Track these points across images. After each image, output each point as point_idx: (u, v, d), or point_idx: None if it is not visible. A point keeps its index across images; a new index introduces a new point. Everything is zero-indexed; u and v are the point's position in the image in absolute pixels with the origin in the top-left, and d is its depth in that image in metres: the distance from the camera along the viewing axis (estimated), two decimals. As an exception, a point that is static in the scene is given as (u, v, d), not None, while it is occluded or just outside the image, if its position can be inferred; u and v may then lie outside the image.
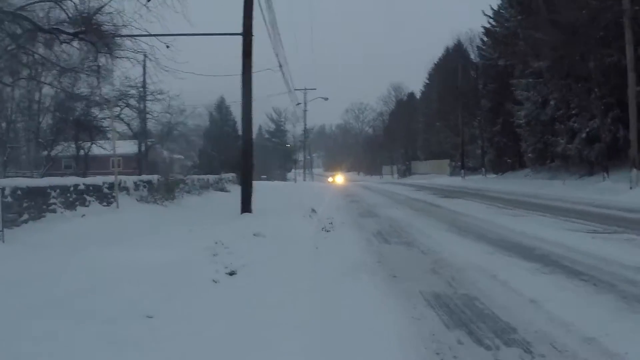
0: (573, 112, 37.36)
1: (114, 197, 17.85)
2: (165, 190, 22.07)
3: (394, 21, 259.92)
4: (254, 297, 7.63)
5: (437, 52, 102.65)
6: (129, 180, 20.57)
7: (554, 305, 7.11)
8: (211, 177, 33.61)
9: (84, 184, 16.59)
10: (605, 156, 32.22)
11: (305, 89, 75.07)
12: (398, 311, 7.09)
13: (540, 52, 38.98)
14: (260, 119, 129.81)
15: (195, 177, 30.72)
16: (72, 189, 15.76)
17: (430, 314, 6.98)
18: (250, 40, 18.43)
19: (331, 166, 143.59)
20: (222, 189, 33.38)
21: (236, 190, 34.92)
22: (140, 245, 10.79)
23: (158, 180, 22.45)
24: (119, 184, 19.01)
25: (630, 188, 26.30)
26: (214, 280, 8.53)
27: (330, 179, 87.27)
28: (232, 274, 9.17)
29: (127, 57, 22.42)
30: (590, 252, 10.77)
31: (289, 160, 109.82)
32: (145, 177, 22.71)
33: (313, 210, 19.97)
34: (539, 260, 10.29)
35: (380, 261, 10.78)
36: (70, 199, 15.61)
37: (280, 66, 33.18)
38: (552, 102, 40.08)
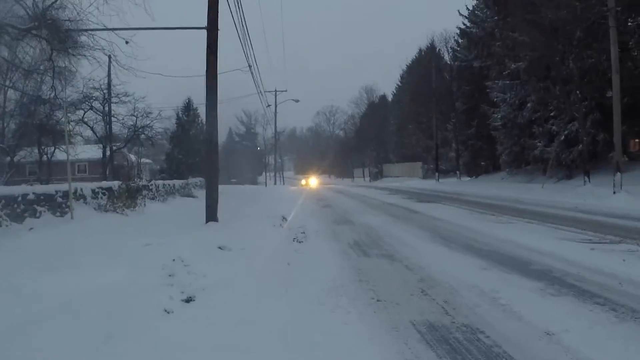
0: (551, 114, 36.41)
1: (68, 206, 16.45)
2: (126, 198, 20.71)
3: (367, 23, 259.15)
4: (212, 334, 6.30)
5: (410, 54, 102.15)
6: (87, 187, 19.21)
7: (574, 339, 5.95)
8: (177, 182, 32.23)
9: (34, 193, 15.21)
10: (586, 159, 31.20)
11: (276, 91, 74.21)
12: (387, 351, 5.80)
13: (518, 53, 38.13)
14: (230, 122, 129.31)
15: (160, 182, 29.36)
16: (19, 199, 14.41)
17: (428, 355, 5.70)
18: (216, 35, 17.01)
19: (302, 169, 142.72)
20: (189, 195, 31.97)
21: (204, 196, 33.69)
22: (86, 265, 9.33)
23: (119, 186, 21.06)
24: (75, 192, 17.71)
25: (614, 192, 25.27)
26: (166, 310, 7.15)
27: (303, 182, 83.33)
28: (189, 300, 7.82)
29: (84, 55, 21.24)
30: (595, 267, 9.65)
31: (259, 164, 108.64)
32: (105, 183, 21.32)
33: (284, 218, 18.61)
34: (540, 277, 9.11)
35: (361, 279, 9.49)
36: (18, 210, 14.27)
37: (250, 67, 32.02)
38: (529, 104, 39.08)
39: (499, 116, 43.13)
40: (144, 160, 69.33)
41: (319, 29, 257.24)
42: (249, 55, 28.51)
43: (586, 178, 30.40)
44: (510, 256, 11.18)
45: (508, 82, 41.50)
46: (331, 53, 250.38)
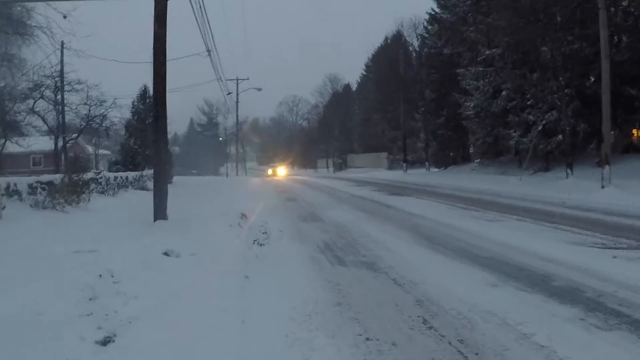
0: (528, 103, 34.48)
1: (-2, 204, 14.20)
2: (68, 192, 18.40)
3: (331, 8, 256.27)
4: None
5: (376, 42, 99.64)
6: (23, 182, 16.99)
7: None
8: (131, 175, 29.76)
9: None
10: (569, 151, 29.31)
11: (237, 79, 72.32)
12: None
13: (493, 39, 36.48)
14: (191, 111, 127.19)
15: (112, 174, 26.96)
16: None
17: None
18: (164, 5, 14.73)
19: (265, 160, 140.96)
20: (143, 188, 29.55)
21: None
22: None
23: (62, 180, 18.74)
24: (7, 188, 15.51)
25: (602, 187, 23.40)
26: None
27: (269, 172, 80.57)
28: (106, 341, 5.57)
29: (19, 34, 19.29)
30: (634, 283, 7.66)
31: (221, 154, 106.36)
32: (45, 177, 18.96)
33: (243, 215, 16.30)
34: (572, 299, 7.08)
35: (340, 302, 7.30)
36: None
37: (209, 51, 30.15)
38: (504, 92, 37.08)
39: (472, 105, 40.96)
40: (101, 151, 66.70)
41: (281, 17, 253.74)
42: (207, 39, 26.49)
43: (568, 170, 28.53)
44: (520, 267, 9.11)
45: (481, 69, 39.52)
46: (294, 42, 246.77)
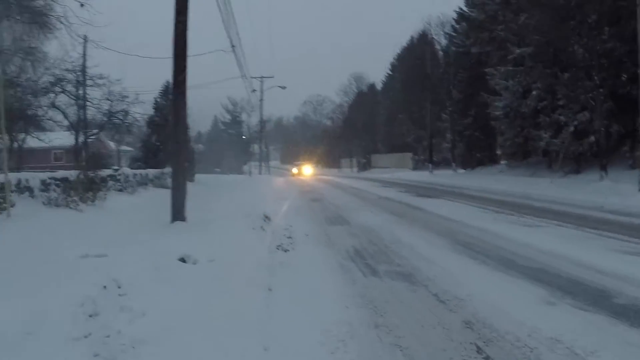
0: (559, 103, 33.38)
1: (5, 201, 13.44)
2: (83, 190, 17.63)
3: (357, 7, 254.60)
4: None
5: (402, 41, 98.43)
6: (35, 178, 16.16)
7: None
8: (152, 172, 28.95)
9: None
10: (603, 153, 28.20)
11: (262, 77, 71.51)
12: None
13: (523, 38, 35.48)
14: (215, 110, 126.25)
15: (131, 171, 26.19)
16: None
17: None
18: (185, -2, 13.95)
19: (288, 159, 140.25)
20: (164, 186, 28.68)
21: (180, 187, 30.75)
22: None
23: (78, 176, 17.99)
24: (19, 184, 14.83)
25: (640, 190, 22.39)
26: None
27: (294, 170, 79.62)
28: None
29: (36, 22, 18.71)
30: None
31: (245, 153, 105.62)
32: (60, 173, 18.20)
33: (267, 217, 15.42)
34: (643, 321, 6.12)
35: (378, 324, 6.39)
36: None
37: (233, 47, 29.40)
38: (534, 93, 35.96)
39: (501, 105, 39.92)
40: (124, 148, 66.05)
41: (307, 16, 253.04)
42: (232, 34, 25.78)
43: (603, 173, 27.45)
44: (574, 280, 8.18)
45: (511, 68, 38.44)
46: (320, 41, 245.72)
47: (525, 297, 7.33)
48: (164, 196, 22.75)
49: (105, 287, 6.84)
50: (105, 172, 21.65)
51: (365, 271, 9.31)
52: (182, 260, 9.29)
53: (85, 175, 18.36)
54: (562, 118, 32.86)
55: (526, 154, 42.06)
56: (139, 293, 6.87)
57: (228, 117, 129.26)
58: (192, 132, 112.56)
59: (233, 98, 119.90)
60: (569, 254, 9.98)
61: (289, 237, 12.87)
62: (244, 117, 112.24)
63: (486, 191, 27.89)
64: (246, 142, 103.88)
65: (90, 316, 5.95)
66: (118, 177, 22.91)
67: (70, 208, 16.23)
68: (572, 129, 31.83)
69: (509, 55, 38.05)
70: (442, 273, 8.88)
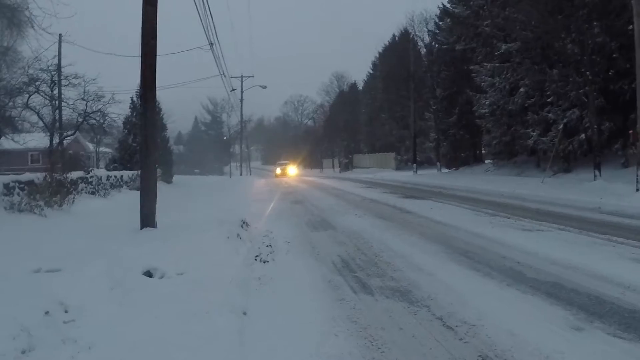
0: (548, 100, 32.45)
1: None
2: (50, 194, 16.50)
3: (338, 7, 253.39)
4: None
5: (383, 40, 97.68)
6: (-3, 181, 15.14)
7: None
8: (127, 174, 27.75)
9: None
10: (597, 151, 27.16)
11: (242, 77, 71.56)
12: None
13: (510, 33, 34.76)
14: (196, 110, 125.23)
15: (105, 173, 25.01)
16: None
17: None
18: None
19: (270, 159, 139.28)
20: (139, 188, 27.65)
21: (159, 190, 29.47)
22: None
23: (44, 179, 16.89)
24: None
25: (638, 190, 21.39)
26: None
27: (278, 171, 73.61)
28: None
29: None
30: None
31: (225, 154, 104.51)
32: (25, 176, 17.21)
33: (245, 223, 14.19)
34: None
35: (376, 360, 5.26)
36: None
37: (211, 44, 28.47)
38: (522, 90, 35.06)
39: (487, 102, 38.90)
40: (103, 149, 64.80)
41: (287, 16, 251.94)
42: (209, 33, 24.77)
43: (596, 172, 26.42)
44: (597, 297, 7.07)
45: (498, 64, 37.48)
46: (300, 41, 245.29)
47: (546, 320, 6.20)
48: (138, 199, 21.71)
49: (47, 312, 5.70)
50: (76, 175, 20.54)
51: (355, 287, 8.15)
52: (148, 274, 8.21)
53: (52, 178, 17.26)
54: (551, 115, 32.14)
55: (513, 153, 41.05)
56: (89, 319, 5.78)
57: (209, 117, 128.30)
58: (173, 133, 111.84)
59: (214, 98, 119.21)
60: (582, 264, 8.88)
61: (269, 246, 11.70)
62: (224, 117, 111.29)
63: (475, 191, 26.84)
64: (227, 143, 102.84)
65: (23, 352, 4.82)
66: (90, 180, 21.88)
67: (35, 213, 15.22)
68: (561, 126, 30.90)
69: (495, 51, 37.47)
70: (444, 289, 7.73)
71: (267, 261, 10.15)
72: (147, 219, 12.39)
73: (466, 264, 9.49)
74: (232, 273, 8.75)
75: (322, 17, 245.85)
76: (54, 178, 17.52)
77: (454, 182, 35.94)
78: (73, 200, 17.83)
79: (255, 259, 10.29)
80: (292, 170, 74.48)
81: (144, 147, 13.04)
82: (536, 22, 29.85)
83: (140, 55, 12.63)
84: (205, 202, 21.32)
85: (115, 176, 25.48)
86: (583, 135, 30.03)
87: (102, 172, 25.34)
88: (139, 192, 25.18)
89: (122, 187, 25.73)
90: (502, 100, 37.33)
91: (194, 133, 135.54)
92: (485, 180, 34.87)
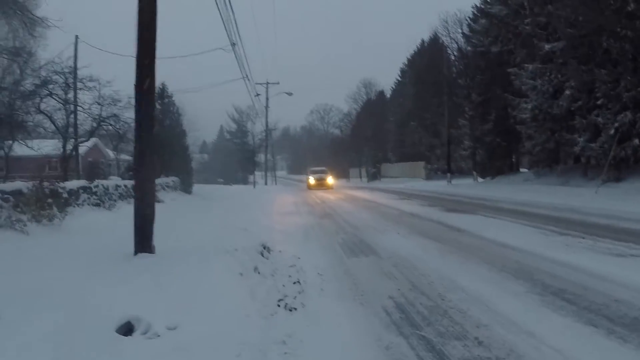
0: (597, 103, 29.71)
1: None
2: (39, 207, 14.08)
3: (363, 15, 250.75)
4: None
5: (412, 47, 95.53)
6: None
7: None
8: (137, 183, 25.33)
9: None
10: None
11: (267, 83, 70.24)
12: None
13: (554, 31, 32.55)
14: (221, 119, 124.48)
15: (113, 183, 22.56)
16: None
17: None
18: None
19: (295, 169, 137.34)
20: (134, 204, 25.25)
21: (175, 200, 27.02)
22: None
23: (33, 189, 14.58)
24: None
25: None
26: None
27: (312, 180, 56.53)
28: None
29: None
30: None
31: (250, 162, 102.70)
32: (10, 185, 14.77)
33: (265, 248, 11.42)
34: None
35: None
36: None
37: (233, 44, 26.45)
38: (567, 92, 32.23)
39: (529, 107, 36.00)
40: (124, 157, 62.81)
41: (313, 24, 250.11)
42: (231, 32, 22.90)
43: (661, 182, 23.70)
44: None
45: (540, 65, 34.73)
46: (326, 50, 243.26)
47: None
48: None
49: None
50: (77, 184, 18.22)
51: (425, 357, 5.49)
52: (127, 327, 5.75)
53: (41, 188, 14.89)
54: (600, 119, 29.28)
55: (555, 161, 38.24)
56: None
57: (234, 126, 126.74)
58: (198, 141, 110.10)
59: (239, 107, 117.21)
60: None
61: (296, 282, 9.02)
62: (249, 126, 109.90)
63: (522, 204, 24.05)
64: (252, 152, 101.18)
65: None
66: (95, 190, 19.46)
67: (16, 230, 12.70)
68: (612, 131, 28.20)
69: (535, 52, 35.07)
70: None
71: (295, 308, 7.43)
72: (142, 243, 9.74)
73: (572, 313, 6.79)
74: (244, 333, 6.10)
75: (347, 27, 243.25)
76: (44, 188, 15.13)
77: (494, 192, 32.99)
78: (65, 214, 15.37)
79: (279, 304, 7.60)
80: (331, 179, 58.33)
81: (140, 153, 10.30)
82: (583, 18, 27.52)
83: (137, 46, 10.01)
84: (222, 216, 18.82)
85: (125, 185, 23.04)
86: (637, 141, 27.33)
87: (111, 181, 22.90)
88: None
89: (132, 197, 23.38)
90: (546, 103, 34.49)
91: (219, 142, 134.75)
92: (527, 190, 32.06)
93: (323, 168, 62.22)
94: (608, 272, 8.90)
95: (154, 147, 10.60)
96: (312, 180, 56.18)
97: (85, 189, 18.86)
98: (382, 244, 13.52)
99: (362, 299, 8.01)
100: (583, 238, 13.01)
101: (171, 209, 22.11)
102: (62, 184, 16.74)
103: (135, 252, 9.65)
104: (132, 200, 22.55)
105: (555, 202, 23.79)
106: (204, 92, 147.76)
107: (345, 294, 8.36)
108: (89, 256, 9.97)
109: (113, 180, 23.61)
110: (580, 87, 31.19)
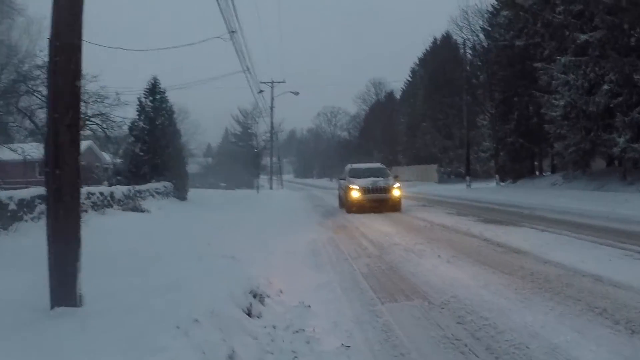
0: (641, 98, 26.76)
1: None
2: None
3: (372, 15, 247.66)
4: None
5: (422, 47, 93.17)
6: None
7: None
8: (119, 190, 21.74)
9: None
10: None
11: (272, 82, 67.26)
12: None
13: (591, 19, 29.61)
14: (226, 121, 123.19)
15: (89, 189, 19.23)
16: None
17: None
18: None
19: (302, 173, 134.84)
20: (136, 208, 21.67)
21: (162, 209, 23.68)
22: None
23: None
24: None
25: None
26: None
27: (355, 194, 25.44)
28: None
29: None
30: None
31: (255, 166, 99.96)
32: None
33: (255, 297, 7.30)
34: None
35: None
36: None
37: (232, 32, 23.76)
38: (605, 87, 28.88)
39: (561, 104, 32.46)
40: (120, 160, 59.77)
41: (320, 27, 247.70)
42: (230, 19, 22.92)
43: None
44: None
45: (572, 58, 31.27)
46: (334, 52, 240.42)
47: None
48: (127, 225, 16.11)
49: None
50: (32, 192, 14.84)
51: None
52: None
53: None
54: (642, 117, 26.32)
55: (588, 163, 34.79)
56: None
57: (239, 129, 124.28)
58: (203, 145, 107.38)
59: (244, 109, 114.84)
60: None
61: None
62: (253, 126, 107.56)
63: (565, 212, 20.80)
64: (257, 155, 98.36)
65: None
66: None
67: None
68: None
69: (566, 44, 32.26)
70: None
71: None
72: (62, 289, 6.08)
73: None
74: None
75: (356, 26, 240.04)
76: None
77: (523, 198, 29.34)
78: (14, 230, 12.05)
79: None
80: (397, 192, 26.70)
81: (53, 144, 6.54)
82: (627, 3, 25.47)
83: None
84: (209, 233, 15.28)
85: (102, 193, 19.68)
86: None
87: (84, 189, 19.57)
88: (133, 214, 19.42)
89: (111, 206, 19.96)
90: (580, 100, 30.99)
91: (224, 145, 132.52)
92: (561, 195, 28.64)
93: (377, 164, 32.88)
94: None
95: (76, 148, 6.63)
96: (355, 193, 25.73)
97: (44, 198, 15.44)
98: (423, 275, 9.88)
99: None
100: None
101: (150, 222, 18.88)
102: (9, 193, 13.38)
103: (53, 306, 6.07)
104: (107, 210, 19.42)
105: (600, 209, 20.71)
106: (207, 94, 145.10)
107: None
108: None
109: (94, 188, 20.46)
110: (621, 81, 28.33)
